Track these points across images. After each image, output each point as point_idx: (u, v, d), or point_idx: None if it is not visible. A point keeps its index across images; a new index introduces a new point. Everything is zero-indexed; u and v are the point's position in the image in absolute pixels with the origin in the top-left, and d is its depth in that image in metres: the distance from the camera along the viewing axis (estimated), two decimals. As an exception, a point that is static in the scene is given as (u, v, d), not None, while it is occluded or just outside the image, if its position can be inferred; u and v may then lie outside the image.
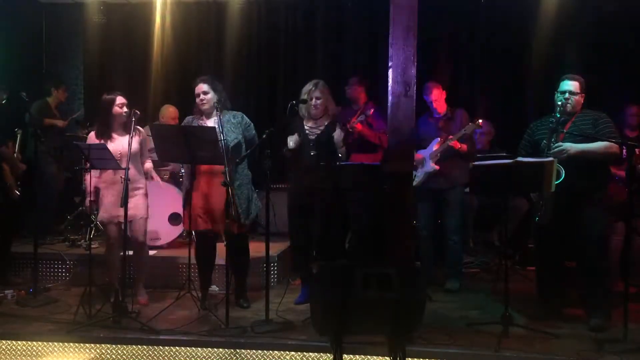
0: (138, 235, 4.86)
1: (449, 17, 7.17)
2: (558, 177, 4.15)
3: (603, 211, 4.41)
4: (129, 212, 4.57)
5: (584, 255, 4.38)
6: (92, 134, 4.93)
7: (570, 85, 4.39)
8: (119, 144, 4.76)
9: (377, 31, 6.84)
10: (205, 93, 4.79)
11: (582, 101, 4.43)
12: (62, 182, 6.93)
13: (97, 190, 4.75)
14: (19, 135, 6.05)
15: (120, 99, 4.83)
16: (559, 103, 4.36)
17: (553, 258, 4.53)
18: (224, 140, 4.46)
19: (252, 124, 4.88)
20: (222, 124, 4.63)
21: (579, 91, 4.39)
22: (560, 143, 4.27)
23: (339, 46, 7.52)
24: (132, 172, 4.71)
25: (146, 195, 4.91)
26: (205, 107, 4.79)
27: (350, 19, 7.45)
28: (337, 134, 4.83)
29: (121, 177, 4.45)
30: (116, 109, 4.79)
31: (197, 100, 4.82)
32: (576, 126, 4.35)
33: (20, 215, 5.83)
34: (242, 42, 7.57)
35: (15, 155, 5.66)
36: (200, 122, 4.80)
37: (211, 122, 4.75)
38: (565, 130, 4.35)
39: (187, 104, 7.02)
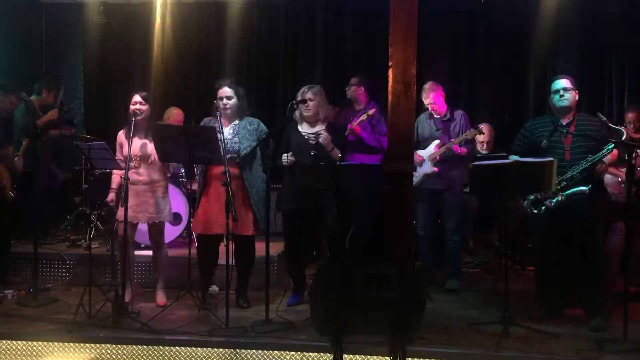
0: (157, 236, 4.90)
1: (449, 17, 7.17)
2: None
3: (601, 213, 4.45)
4: (151, 215, 4.78)
5: (584, 256, 4.37)
6: (120, 133, 4.87)
7: (563, 82, 4.45)
8: (136, 146, 4.70)
9: (377, 31, 6.84)
10: (229, 98, 4.75)
11: (577, 98, 4.48)
12: (62, 182, 6.92)
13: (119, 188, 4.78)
14: (24, 143, 5.97)
15: (134, 97, 4.74)
16: (557, 101, 4.40)
17: (554, 258, 4.52)
18: (237, 146, 4.51)
19: (267, 131, 4.80)
20: (238, 130, 4.69)
21: (572, 87, 4.44)
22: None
23: (338, 46, 7.52)
24: (147, 172, 4.75)
25: (166, 195, 4.89)
26: (228, 111, 4.75)
27: (350, 19, 7.45)
28: (323, 137, 4.74)
29: (122, 177, 4.47)
30: (131, 107, 4.72)
31: (220, 103, 4.72)
32: (581, 127, 4.38)
33: (19, 216, 5.79)
34: (242, 42, 7.56)
35: (16, 158, 5.60)
36: (216, 125, 4.64)
37: (228, 127, 4.74)
38: (571, 132, 4.35)
39: (187, 104, 7.09)
